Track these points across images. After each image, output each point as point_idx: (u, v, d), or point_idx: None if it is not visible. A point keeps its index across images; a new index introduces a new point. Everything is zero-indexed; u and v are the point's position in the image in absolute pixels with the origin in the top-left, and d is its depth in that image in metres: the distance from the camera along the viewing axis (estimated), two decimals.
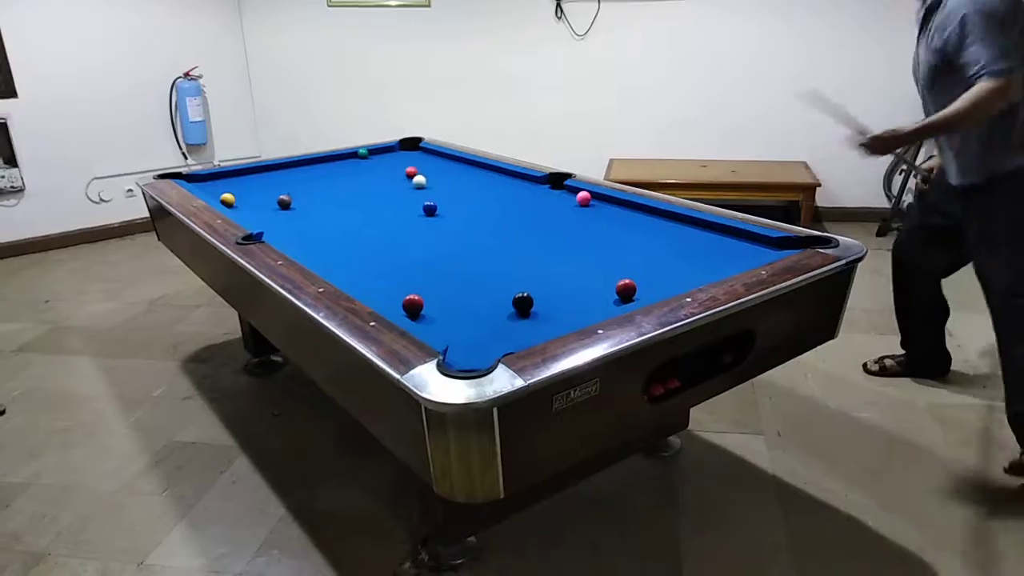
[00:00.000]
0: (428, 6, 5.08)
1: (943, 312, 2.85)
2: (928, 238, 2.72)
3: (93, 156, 4.84)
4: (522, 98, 5.07)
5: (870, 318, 3.49)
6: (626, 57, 4.91)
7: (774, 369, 1.99)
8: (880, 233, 4.61)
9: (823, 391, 2.89)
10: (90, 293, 4.07)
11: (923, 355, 2.94)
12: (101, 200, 4.94)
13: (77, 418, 2.82)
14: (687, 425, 2.55)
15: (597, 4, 4.78)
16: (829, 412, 2.76)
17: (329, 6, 5.21)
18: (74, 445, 2.65)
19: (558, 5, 4.83)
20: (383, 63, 5.26)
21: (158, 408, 2.89)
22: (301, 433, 2.70)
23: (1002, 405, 2.42)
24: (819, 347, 2.03)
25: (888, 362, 2.99)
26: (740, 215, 2.26)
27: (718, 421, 2.68)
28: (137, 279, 4.25)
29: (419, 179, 2.90)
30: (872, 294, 3.71)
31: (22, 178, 4.59)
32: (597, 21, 4.83)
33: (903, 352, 2.98)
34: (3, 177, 4.51)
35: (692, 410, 2.51)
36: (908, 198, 4.66)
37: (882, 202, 4.80)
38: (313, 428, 2.72)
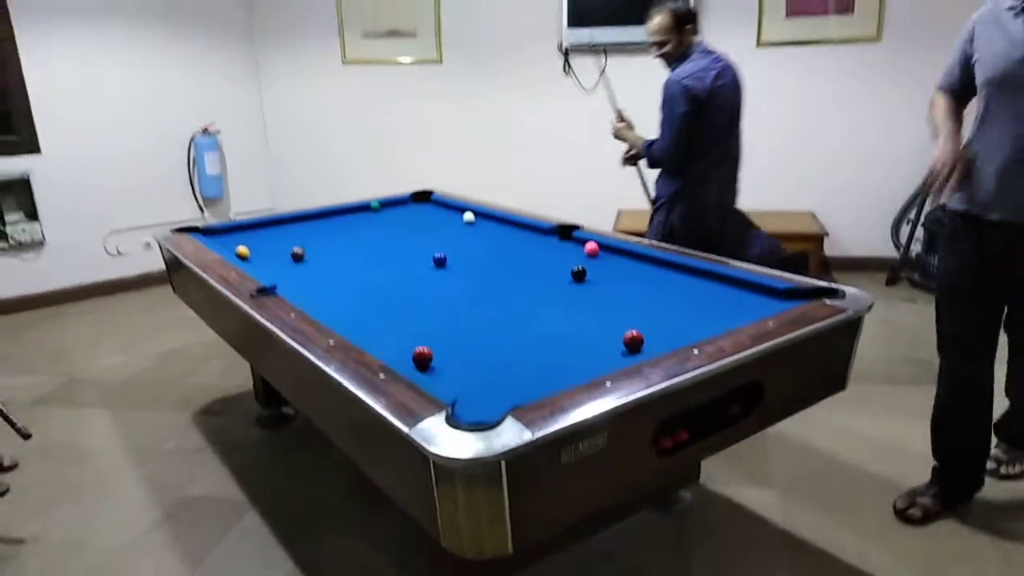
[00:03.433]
0: (440, 63, 5.23)
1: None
2: (984, 309, 2.24)
3: (112, 210, 4.95)
4: (531, 151, 5.16)
5: (881, 369, 3.47)
6: (633, 109, 4.99)
7: (785, 421, 1.98)
8: (889, 282, 4.61)
9: (836, 444, 2.86)
10: (105, 345, 4.12)
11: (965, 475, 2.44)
12: (118, 253, 5.03)
13: (88, 472, 2.83)
14: (699, 478, 2.52)
15: (604, 59, 4.90)
16: (842, 465, 2.73)
17: (344, 63, 5.37)
18: (85, 499, 2.65)
19: (566, 60, 4.96)
20: (396, 118, 5.39)
21: (169, 461, 2.89)
22: (311, 485, 2.69)
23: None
24: (830, 399, 2.02)
25: (923, 500, 2.42)
26: (746, 266, 2.28)
27: (730, 474, 2.66)
28: (152, 331, 4.30)
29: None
30: (883, 345, 3.70)
31: (42, 232, 4.69)
32: (604, 75, 4.94)
33: (932, 481, 2.46)
34: (24, 231, 4.61)
35: (703, 463, 2.48)
36: (916, 247, 4.67)
37: (890, 251, 4.81)
38: (323, 480, 2.71)
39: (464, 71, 5.21)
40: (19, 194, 4.62)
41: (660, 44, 2.94)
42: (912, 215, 4.66)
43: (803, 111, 4.77)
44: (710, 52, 2.94)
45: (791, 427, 2.87)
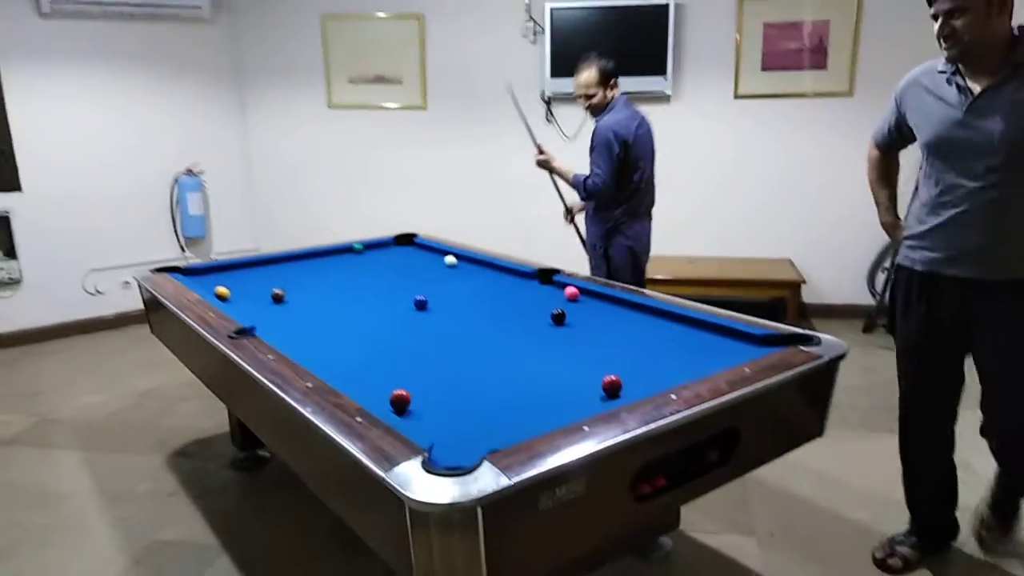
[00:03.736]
0: (425, 109, 5.31)
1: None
2: (943, 364, 2.24)
3: (92, 248, 4.92)
4: (514, 195, 5.22)
5: (861, 415, 3.49)
6: None
7: (765, 467, 1.99)
8: (866, 330, 4.67)
9: (815, 490, 2.86)
10: (80, 385, 4.05)
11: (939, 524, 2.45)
12: (97, 292, 4.99)
13: (57, 515, 2.76)
14: (678, 525, 2.50)
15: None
16: (822, 512, 2.73)
17: (330, 107, 5.43)
18: (52, 544, 2.58)
19: (548, 109, 5.05)
20: (380, 162, 5.45)
21: (141, 505, 2.83)
22: (286, 531, 2.64)
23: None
24: (810, 445, 2.03)
25: (901, 550, 2.40)
26: (724, 312, 2.31)
27: (709, 521, 2.64)
28: (128, 371, 4.24)
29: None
30: (863, 391, 3.73)
31: (20, 270, 4.65)
32: (586, 124, 5.03)
33: (910, 531, 2.45)
34: (2, 269, 4.57)
35: (683, 509, 2.47)
36: None
37: (867, 299, 4.88)
38: (299, 525, 2.66)
39: (449, 117, 5.29)
40: None
41: (588, 96, 3.32)
42: (887, 263, 4.74)
43: (780, 161, 4.89)
44: (630, 104, 3.35)
45: (770, 473, 2.87)
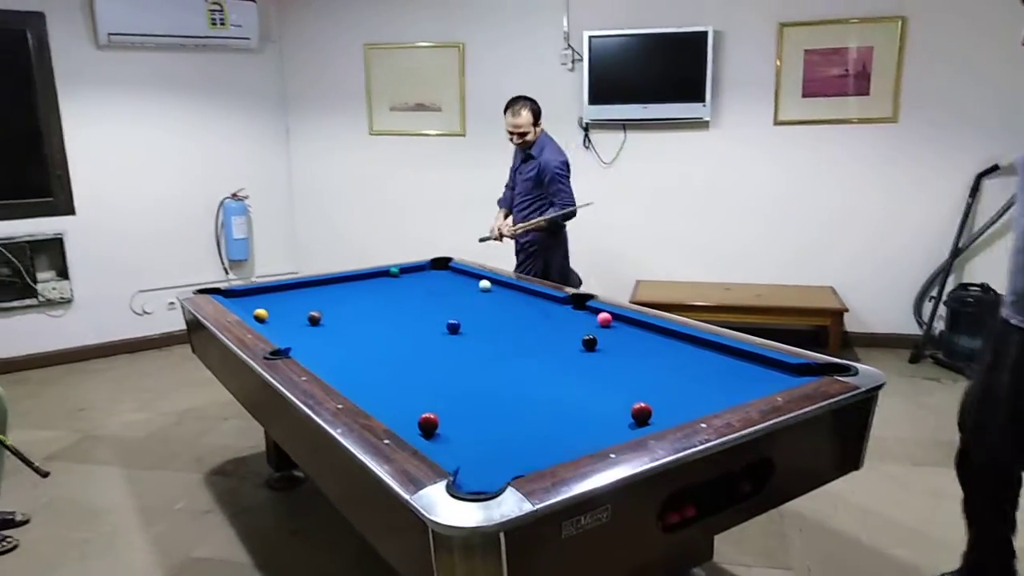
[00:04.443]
0: (463, 136, 5.38)
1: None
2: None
3: (140, 270, 5.07)
4: None
5: (905, 449, 3.38)
6: (653, 183, 5.09)
7: (803, 499, 1.94)
8: (913, 360, 4.54)
9: (856, 525, 2.77)
10: (124, 403, 4.16)
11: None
12: (144, 312, 5.13)
13: (98, 530, 2.83)
14: (711, 556, 2.44)
15: (623, 134, 5.02)
16: (862, 548, 2.64)
17: (371, 134, 5.54)
18: (92, 558, 2.64)
19: (586, 135, 5.08)
20: (419, 187, 5.52)
21: (178, 522, 2.88)
22: (317, 552, 2.66)
23: None
24: (850, 478, 1.98)
25: None
26: (759, 340, 2.27)
27: (744, 553, 2.58)
28: (170, 390, 4.34)
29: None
30: (908, 423, 3.62)
31: (72, 290, 4.82)
32: (624, 150, 5.05)
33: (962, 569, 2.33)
34: (54, 289, 4.74)
35: (717, 541, 2.42)
36: (939, 325, 4.62)
37: (913, 328, 4.75)
38: (330, 546, 2.68)
39: (487, 143, 5.34)
40: (52, 253, 4.76)
41: (522, 135, 3.87)
42: (934, 292, 4.62)
43: (822, 187, 4.81)
44: (550, 137, 3.99)
45: (809, 505, 2.80)
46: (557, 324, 2.71)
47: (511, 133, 3.90)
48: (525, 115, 3.83)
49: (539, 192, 3.93)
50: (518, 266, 4.10)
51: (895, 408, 3.81)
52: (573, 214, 3.92)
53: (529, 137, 3.89)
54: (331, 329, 2.68)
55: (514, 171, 4.19)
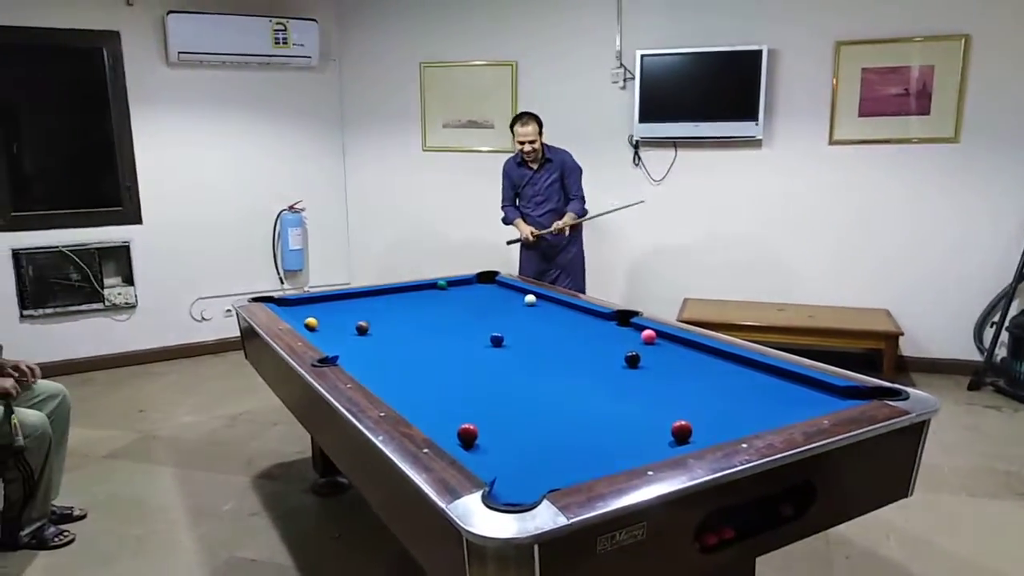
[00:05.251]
0: (513, 152, 5.42)
1: None
2: None
3: (200, 278, 5.26)
4: (600, 236, 5.23)
5: (961, 479, 3.26)
6: (703, 201, 5.05)
7: (852, 526, 1.89)
8: (972, 387, 4.37)
9: (906, 555, 2.68)
10: (181, 406, 4.31)
11: None
12: (203, 319, 5.31)
13: (151, 527, 2.93)
14: None
15: (674, 152, 5.00)
16: None
17: (424, 151, 5.65)
18: (145, 554, 2.74)
19: (636, 153, 5.07)
20: (469, 202, 5.58)
21: (225, 522, 2.96)
22: (358, 557, 2.70)
23: None
24: (902, 506, 1.92)
25: None
26: (806, 361, 2.23)
27: None
28: (224, 395, 4.48)
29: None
30: (965, 452, 3.49)
31: (136, 295, 5.02)
32: (674, 168, 5.03)
33: None
34: (120, 294, 4.95)
35: (759, 564, 2.37)
36: (1002, 352, 4.45)
37: (974, 354, 4.58)
38: (371, 553, 2.72)
39: None
40: (119, 260, 4.98)
41: (532, 143, 4.26)
42: (996, 318, 4.45)
43: (876, 208, 4.70)
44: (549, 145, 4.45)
45: (857, 532, 2.72)
46: (600, 340, 2.71)
47: (522, 143, 4.28)
48: (533, 126, 4.26)
49: (563, 192, 4.42)
50: (567, 263, 4.48)
51: (952, 436, 3.68)
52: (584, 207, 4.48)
53: (537, 145, 4.30)
54: (378, 339, 2.74)
55: (523, 186, 4.50)
